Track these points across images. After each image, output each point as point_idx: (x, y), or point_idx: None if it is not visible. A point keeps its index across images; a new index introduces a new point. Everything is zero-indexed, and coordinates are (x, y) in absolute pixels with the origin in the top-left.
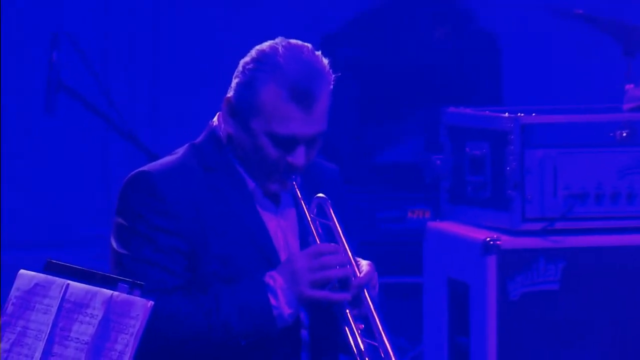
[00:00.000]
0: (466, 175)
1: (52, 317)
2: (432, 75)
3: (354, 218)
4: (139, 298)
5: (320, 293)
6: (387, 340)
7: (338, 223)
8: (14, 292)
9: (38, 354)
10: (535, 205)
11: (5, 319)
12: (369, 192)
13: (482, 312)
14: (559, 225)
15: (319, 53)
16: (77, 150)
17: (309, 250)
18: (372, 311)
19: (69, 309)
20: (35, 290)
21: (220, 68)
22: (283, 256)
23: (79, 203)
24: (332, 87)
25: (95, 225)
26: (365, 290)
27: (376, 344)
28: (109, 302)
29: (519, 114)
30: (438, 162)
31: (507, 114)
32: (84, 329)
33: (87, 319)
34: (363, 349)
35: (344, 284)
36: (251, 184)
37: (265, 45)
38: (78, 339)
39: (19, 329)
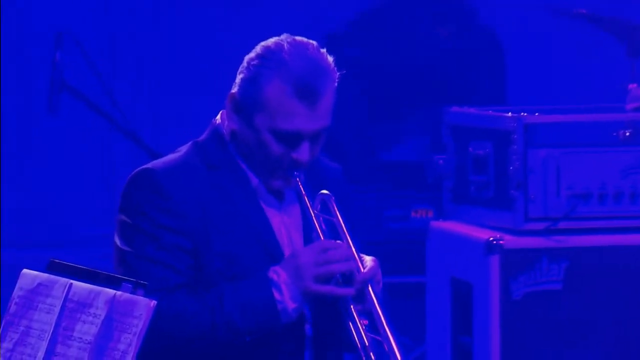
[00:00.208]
0: (469, 175)
1: (55, 316)
2: (436, 74)
3: (358, 217)
4: (142, 297)
5: (325, 288)
6: (392, 335)
7: (342, 219)
8: (17, 292)
9: (41, 354)
10: (538, 205)
11: (8, 318)
12: (373, 191)
13: (485, 311)
14: (562, 225)
15: (323, 50)
16: (80, 150)
17: (313, 245)
18: (376, 306)
19: (72, 309)
20: (39, 290)
21: (223, 68)
22: (287, 252)
23: (81, 203)
24: (336, 84)
25: (98, 225)
26: (369, 286)
27: (380, 339)
28: (112, 302)
29: (522, 114)
30: (441, 161)
31: (510, 113)
32: (87, 328)
33: (90, 318)
34: (367, 344)
35: (347, 279)
36: (255, 181)
37: (271, 41)
38: (81, 338)
39: (22, 328)
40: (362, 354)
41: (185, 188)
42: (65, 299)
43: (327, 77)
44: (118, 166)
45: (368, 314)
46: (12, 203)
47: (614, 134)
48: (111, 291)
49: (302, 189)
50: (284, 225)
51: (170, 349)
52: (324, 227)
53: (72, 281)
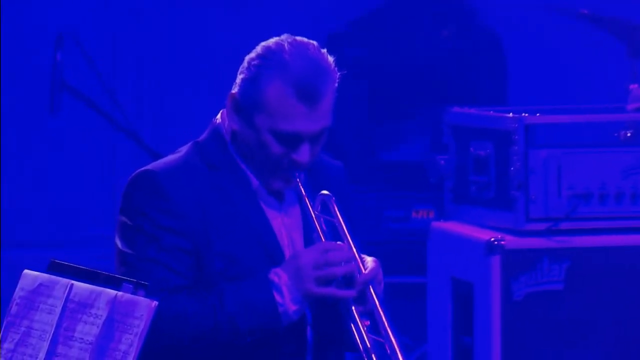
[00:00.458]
0: (470, 175)
1: (56, 317)
2: (436, 74)
3: (359, 216)
4: (143, 298)
5: (326, 290)
6: (393, 336)
7: (342, 220)
8: (18, 292)
9: (42, 354)
10: (539, 205)
11: (10, 319)
12: (373, 191)
13: (486, 312)
14: (563, 225)
15: (324, 50)
16: (81, 150)
17: (314, 247)
18: (377, 307)
19: (73, 309)
20: (40, 290)
21: (223, 68)
22: (287, 253)
23: (82, 203)
24: (337, 84)
25: (99, 225)
26: (370, 287)
27: (382, 340)
28: (113, 302)
29: (523, 114)
30: (442, 162)
31: (511, 114)
32: (88, 329)
33: (91, 319)
34: (369, 346)
35: (349, 280)
36: (255, 182)
37: (271, 41)
38: (82, 339)
39: (23, 329)
40: (365, 355)
41: (185, 189)
42: (66, 300)
43: (327, 78)
44: (119, 166)
45: (370, 315)
46: (12, 203)
47: (615, 134)
48: (112, 292)
49: (302, 189)
50: (284, 226)
51: (171, 350)
52: (324, 227)
53: (73, 282)
